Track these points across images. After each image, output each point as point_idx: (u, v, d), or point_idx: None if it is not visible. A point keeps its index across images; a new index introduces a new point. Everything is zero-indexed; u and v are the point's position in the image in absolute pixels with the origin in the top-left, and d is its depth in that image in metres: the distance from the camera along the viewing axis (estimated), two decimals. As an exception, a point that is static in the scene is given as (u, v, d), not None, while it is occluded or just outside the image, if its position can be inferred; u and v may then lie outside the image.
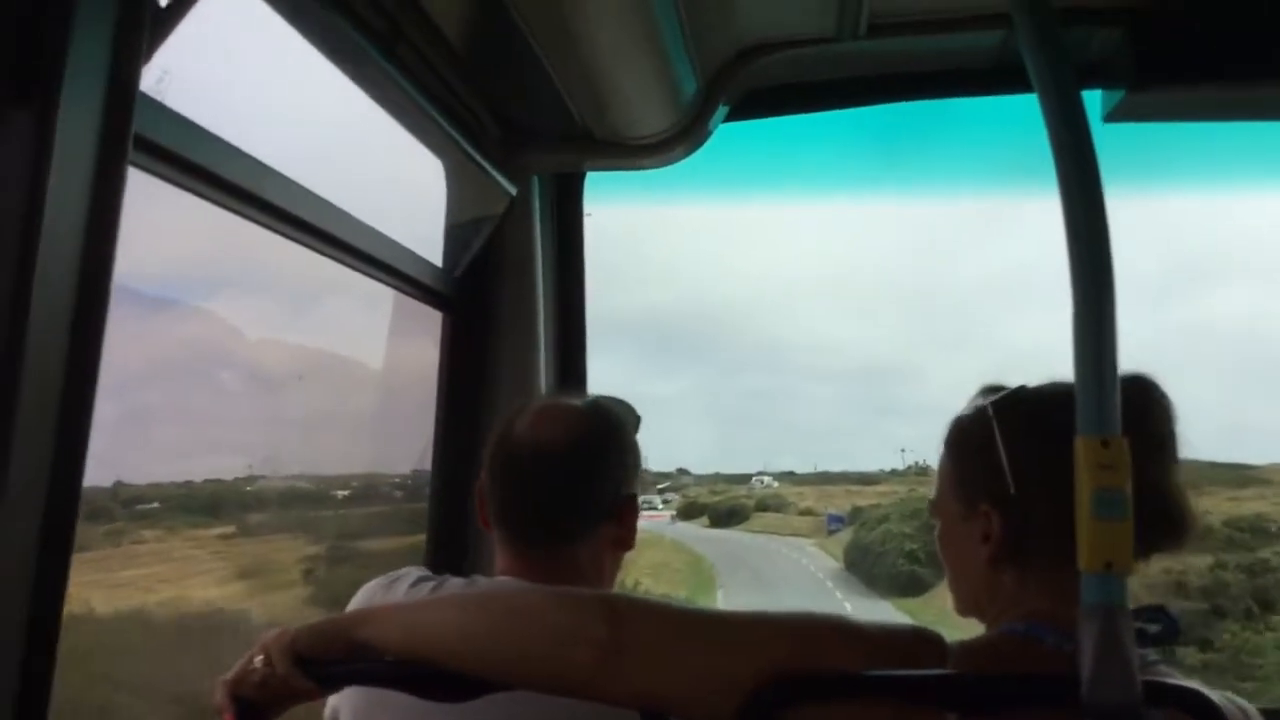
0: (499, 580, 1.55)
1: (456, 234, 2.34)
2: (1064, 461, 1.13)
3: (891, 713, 1.13)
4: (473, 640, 1.21)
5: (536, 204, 2.43)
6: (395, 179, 2.36)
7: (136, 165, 1.17)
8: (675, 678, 1.17)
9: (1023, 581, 1.27)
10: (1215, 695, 1.12)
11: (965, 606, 1.36)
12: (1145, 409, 1.19)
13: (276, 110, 1.87)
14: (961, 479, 1.33)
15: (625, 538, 1.62)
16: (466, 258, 2.32)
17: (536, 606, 1.22)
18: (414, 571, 1.57)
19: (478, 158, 2.12)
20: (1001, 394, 1.31)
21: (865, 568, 26.33)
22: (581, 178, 2.58)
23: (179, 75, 1.30)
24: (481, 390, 2.39)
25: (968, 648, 1.19)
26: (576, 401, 1.65)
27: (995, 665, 1.18)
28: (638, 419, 1.68)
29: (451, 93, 1.99)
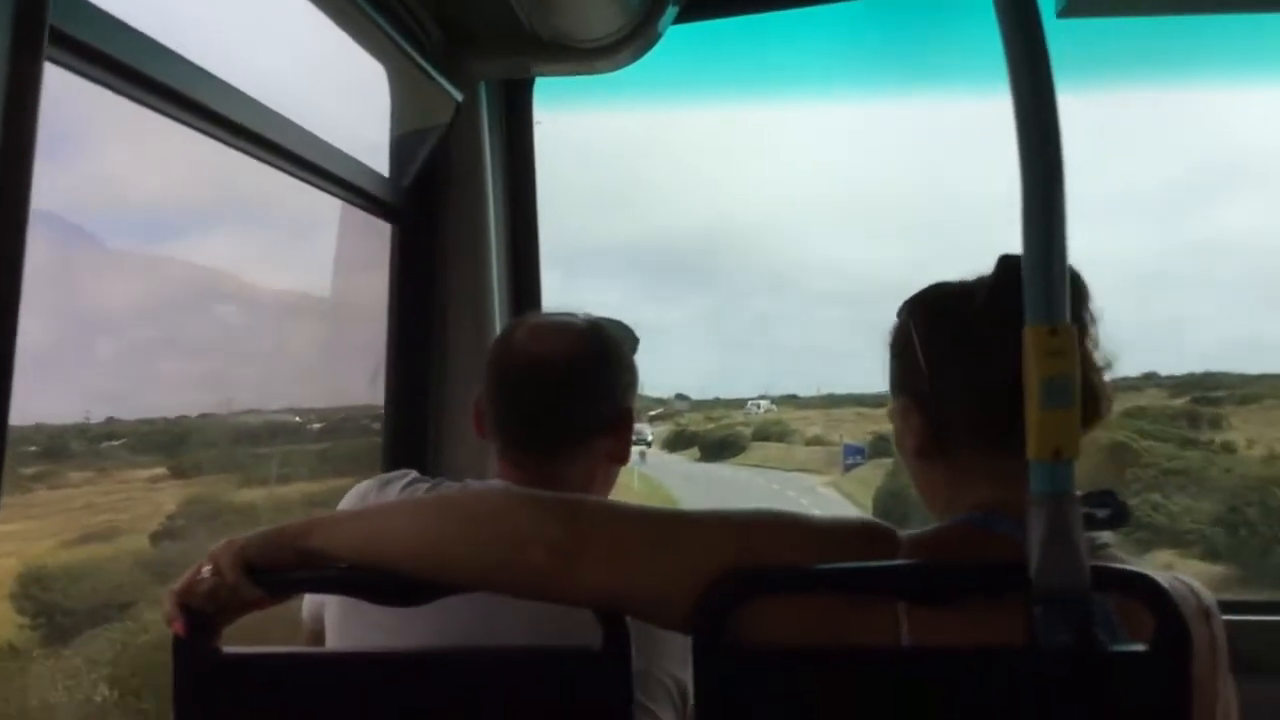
0: (492, 484, 1.57)
1: (403, 143, 2.29)
2: (971, 352, 1.20)
3: (843, 605, 1.13)
4: (428, 544, 1.20)
5: (485, 111, 2.37)
6: (338, 85, 2.30)
7: (54, 61, 1.12)
8: (631, 577, 1.17)
9: (952, 473, 1.28)
10: (1164, 577, 1.13)
11: (925, 504, 1.37)
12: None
13: (209, 10, 1.80)
14: (892, 378, 1.35)
15: (620, 452, 1.64)
16: (414, 168, 2.27)
17: (492, 508, 1.22)
18: (409, 473, 1.59)
19: (422, 63, 2.07)
20: (916, 293, 1.32)
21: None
22: (530, 84, 2.52)
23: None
24: (432, 301, 2.36)
25: (918, 539, 1.20)
26: (575, 318, 1.65)
27: (946, 555, 1.19)
28: (636, 340, 1.70)
29: (389, -8, 1.93)
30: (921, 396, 1.29)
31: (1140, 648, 1.09)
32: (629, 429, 1.63)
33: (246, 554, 1.22)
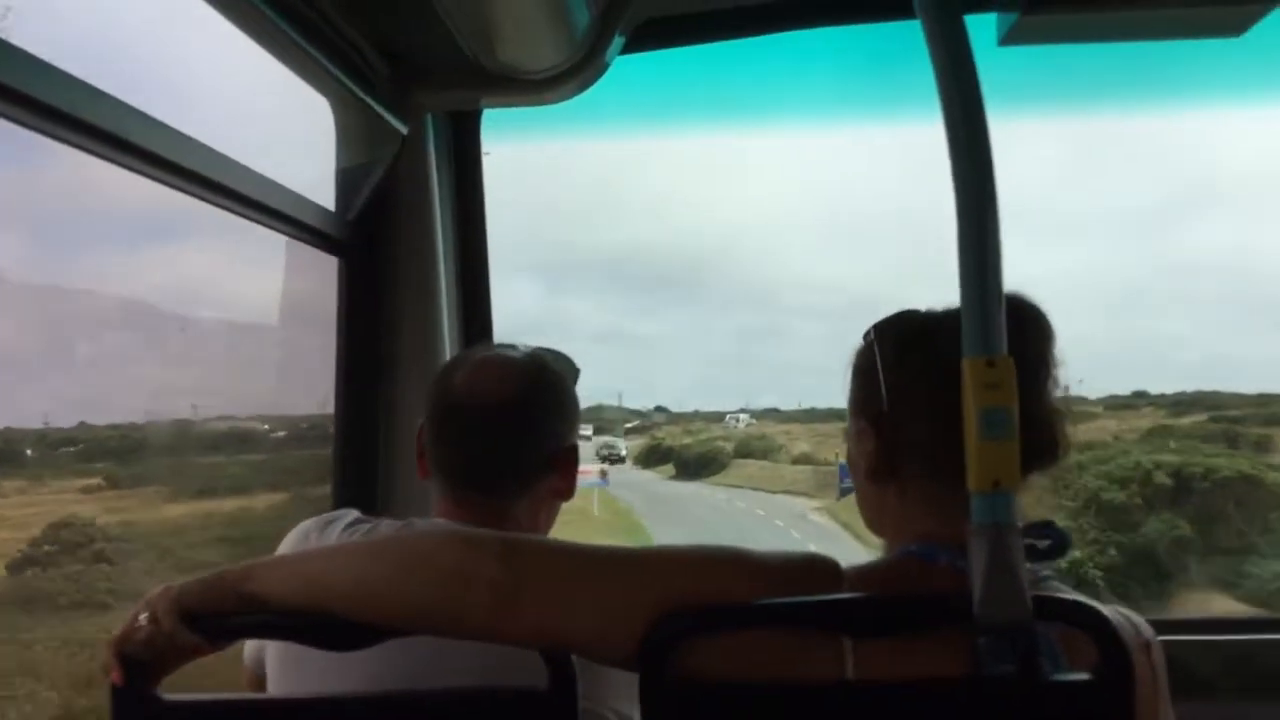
0: (435, 522, 1.55)
1: (348, 176, 2.27)
2: (934, 383, 1.19)
3: (787, 640, 1.13)
4: (366, 587, 1.19)
5: (431, 143, 2.36)
6: (281, 121, 2.28)
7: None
8: (574, 616, 1.16)
9: (903, 500, 1.28)
10: (1106, 609, 1.14)
11: (870, 527, 1.37)
12: (1019, 330, 1.20)
13: (147, 48, 1.78)
14: (851, 399, 1.35)
15: (565, 488, 1.63)
16: (359, 201, 2.26)
17: (430, 549, 1.20)
18: (351, 513, 1.57)
19: (364, 96, 2.06)
20: (884, 318, 1.32)
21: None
22: (478, 116, 2.52)
23: (27, 12, 1.23)
24: (382, 336, 2.34)
25: (862, 572, 1.20)
26: (515, 353, 1.63)
27: (890, 587, 1.19)
28: (576, 371, 1.70)
29: (332, 27, 1.91)
30: (879, 420, 1.29)
31: (1084, 676, 1.09)
32: (574, 465, 1.62)
33: (183, 601, 1.20)
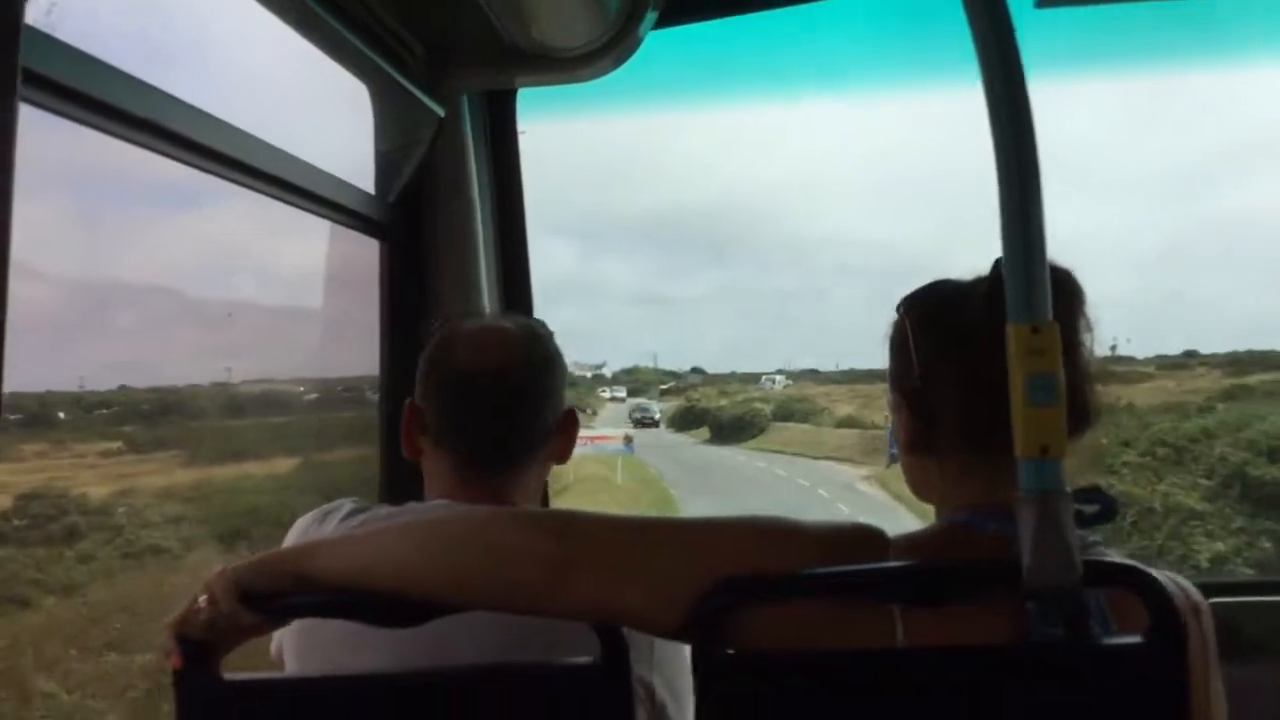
0: (435, 504, 1.54)
1: (387, 160, 2.29)
2: (963, 354, 1.23)
3: (836, 609, 1.14)
4: (424, 565, 1.21)
5: (468, 124, 2.37)
6: (320, 106, 2.30)
7: (28, 101, 1.12)
8: (625, 589, 1.18)
9: (943, 471, 1.29)
10: (1157, 574, 1.14)
11: (918, 496, 1.38)
12: (1066, 297, 1.20)
13: (187, 39, 1.80)
14: (889, 374, 1.36)
15: (564, 452, 1.63)
16: (399, 183, 2.28)
17: (485, 527, 1.22)
18: (347, 503, 1.56)
19: (401, 80, 2.07)
20: (913, 291, 1.33)
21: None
22: (513, 95, 2.53)
23: (71, 6, 1.25)
24: (424, 316, 2.35)
25: (911, 540, 1.21)
26: (505, 322, 1.63)
27: (937, 556, 1.19)
28: (551, 333, 1.66)
29: (368, 11, 1.93)
30: (912, 394, 1.30)
31: (1135, 639, 1.09)
32: (574, 429, 1.63)
33: (240, 581, 1.22)
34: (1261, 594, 2.27)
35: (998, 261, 1.26)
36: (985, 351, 1.13)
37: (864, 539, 1.19)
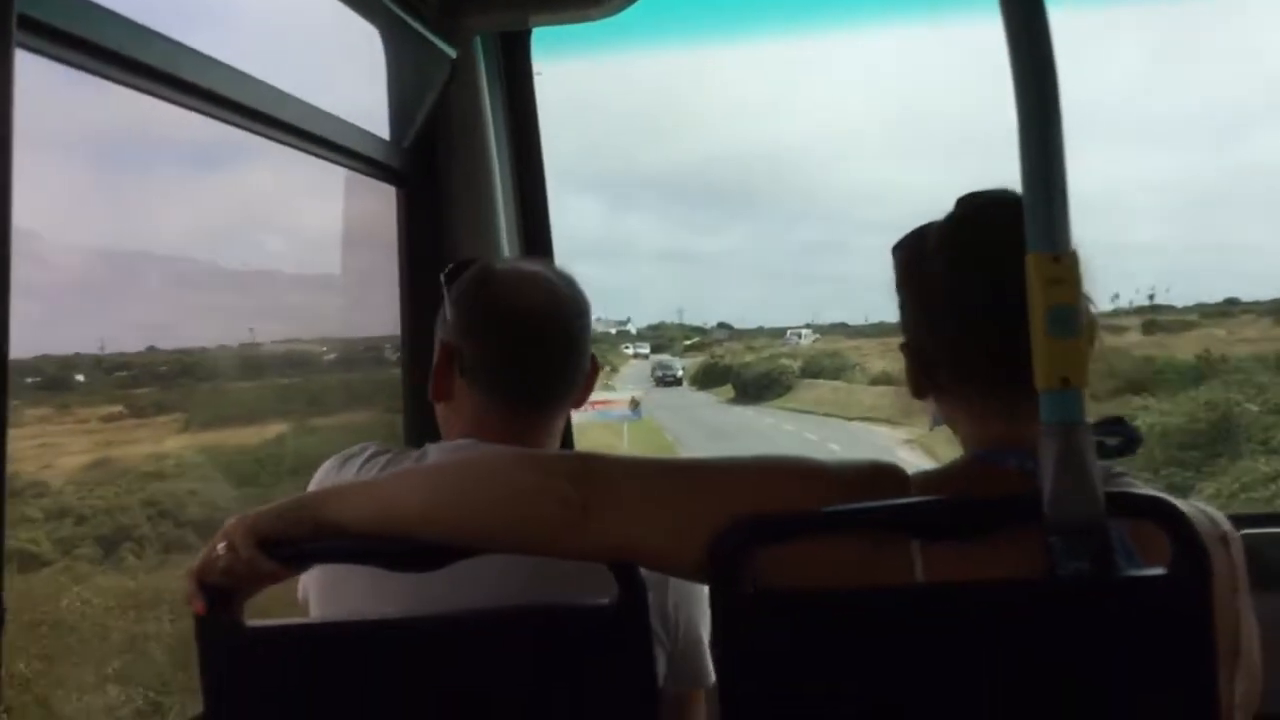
0: (459, 444, 1.53)
1: (401, 104, 2.26)
2: (926, 292, 1.24)
3: (855, 546, 1.13)
4: (442, 509, 1.21)
5: (482, 66, 2.34)
6: (331, 51, 2.28)
7: (25, 47, 1.11)
8: (644, 529, 1.17)
9: (952, 409, 1.29)
10: (1182, 504, 1.12)
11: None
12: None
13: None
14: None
15: (583, 398, 1.64)
16: (413, 128, 2.25)
17: (505, 469, 1.22)
18: (370, 447, 1.56)
19: (412, 22, 2.05)
20: (902, 236, 1.31)
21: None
22: (527, 35, 2.49)
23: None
24: (444, 261, 2.34)
25: (929, 477, 1.20)
26: (537, 266, 1.62)
27: (957, 492, 1.18)
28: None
29: (377, -47, 1.90)
30: (907, 337, 1.30)
31: (1159, 571, 1.08)
32: (595, 376, 1.64)
33: (259, 528, 1.22)
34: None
35: (960, 198, 1.25)
36: (949, 289, 1.12)
37: (883, 476, 1.18)
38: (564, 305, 1.55)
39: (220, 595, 1.23)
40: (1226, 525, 1.20)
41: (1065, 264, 1.04)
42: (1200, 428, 11.19)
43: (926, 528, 1.11)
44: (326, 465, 1.56)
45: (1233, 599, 1.16)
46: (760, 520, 1.12)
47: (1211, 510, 1.21)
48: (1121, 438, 1.15)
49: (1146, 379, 13.00)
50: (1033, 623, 1.10)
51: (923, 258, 1.26)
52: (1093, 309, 1.26)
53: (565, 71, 2.71)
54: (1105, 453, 1.14)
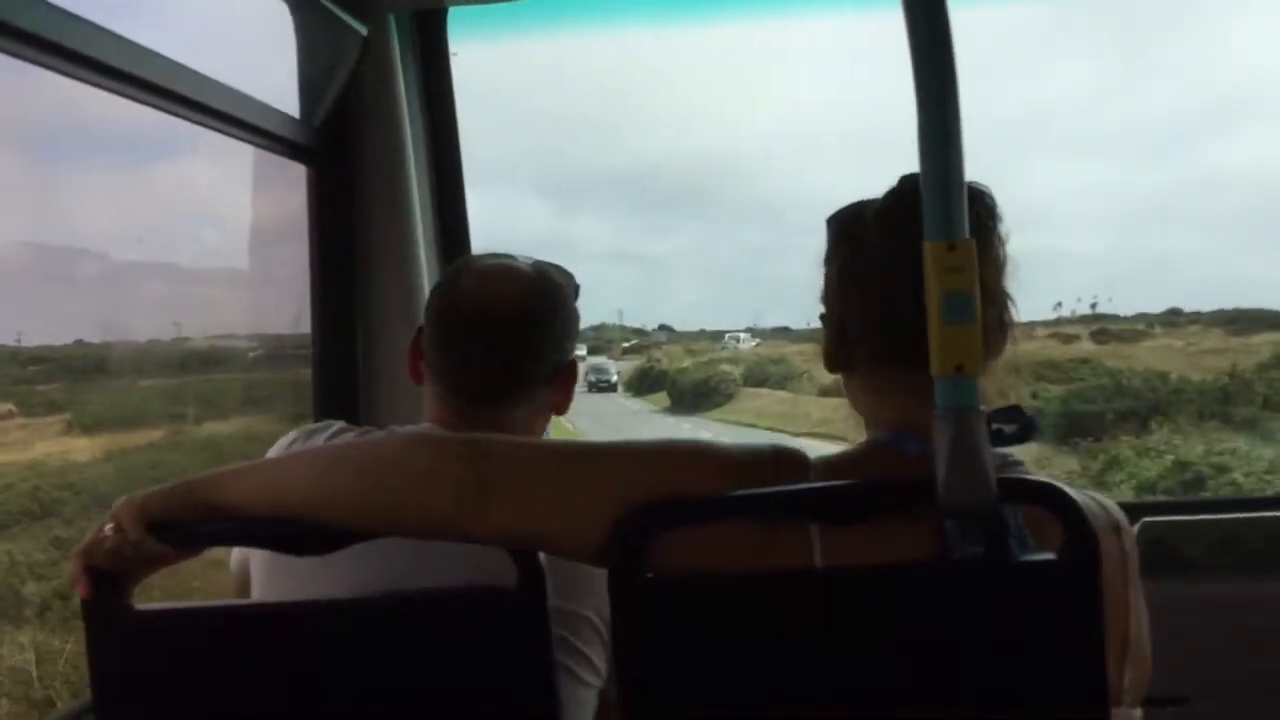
0: (422, 427, 1.53)
1: (312, 82, 2.22)
2: (859, 270, 1.25)
3: (754, 530, 1.13)
4: (334, 492, 1.19)
5: (395, 45, 2.31)
6: (240, 26, 2.23)
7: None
8: (541, 513, 1.16)
9: (864, 387, 1.30)
10: (1075, 492, 1.14)
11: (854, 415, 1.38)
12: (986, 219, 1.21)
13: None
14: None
15: (562, 403, 1.62)
16: (324, 106, 2.21)
17: (397, 452, 1.20)
18: (336, 423, 1.55)
19: (322, -2, 2.01)
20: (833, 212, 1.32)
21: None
22: (443, 15, 2.46)
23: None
24: (355, 244, 2.32)
25: (830, 462, 1.20)
26: (520, 263, 1.61)
27: (858, 476, 1.19)
28: (577, 287, 1.66)
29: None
30: (828, 311, 1.31)
31: (1049, 557, 1.10)
32: (573, 381, 1.62)
33: (148, 509, 1.19)
34: (1190, 513, 2.31)
35: (902, 177, 1.26)
36: (883, 267, 1.13)
37: (783, 460, 1.18)
38: (527, 302, 1.54)
39: (108, 578, 1.20)
40: (1119, 514, 1.22)
41: (961, 252, 1.05)
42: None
43: (824, 512, 1.12)
44: (287, 438, 1.55)
45: (1124, 588, 1.18)
46: (660, 506, 1.12)
47: (1104, 499, 1.23)
48: (1019, 424, 1.17)
49: (1162, 400, 11.10)
50: (927, 606, 1.11)
51: (858, 227, 1.27)
52: (1014, 312, 1.28)
53: (490, 55, 2.68)
54: (1003, 440, 1.16)
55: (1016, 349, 1.30)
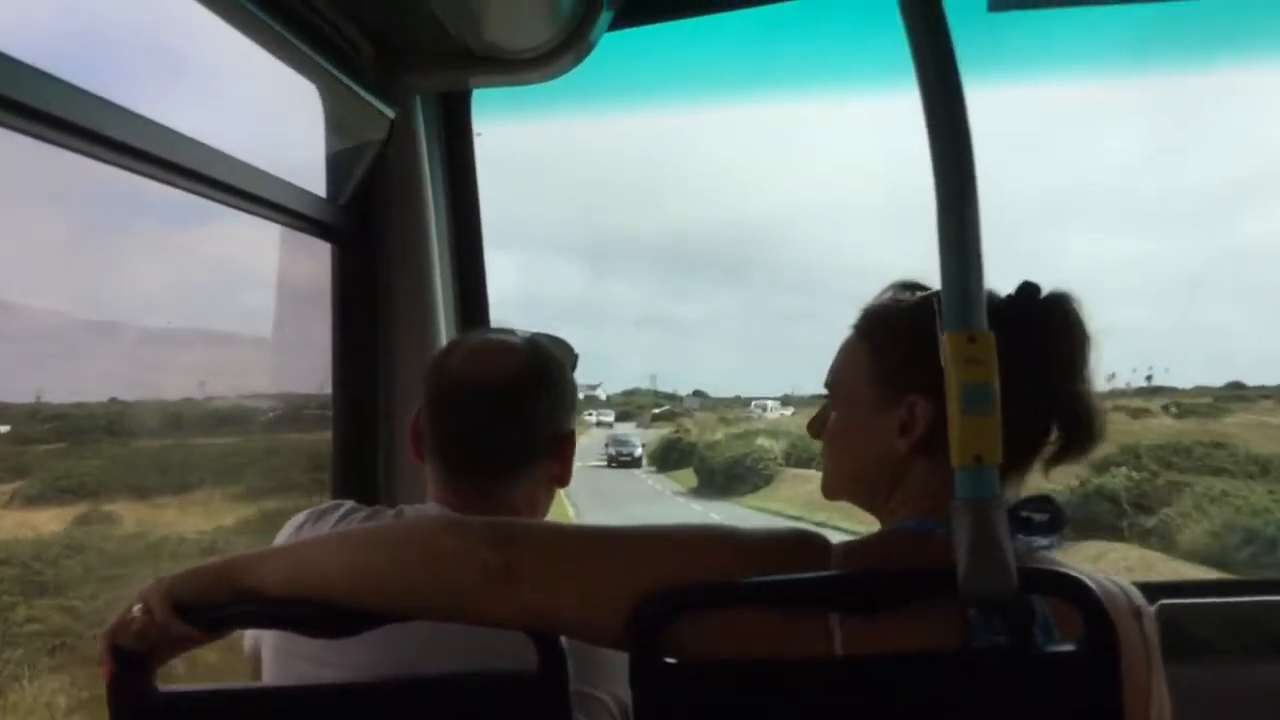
0: (428, 507, 1.55)
1: (339, 161, 2.26)
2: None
3: (775, 618, 1.14)
4: (358, 573, 1.20)
5: (421, 125, 2.35)
6: (269, 109, 2.28)
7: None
8: (562, 597, 1.17)
9: (933, 470, 1.24)
10: (1093, 578, 1.14)
11: (857, 498, 1.36)
12: (1060, 322, 1.25)
13: (128, 46, 1.77)
14: (886, 369, 1.30)
15: (562, 474, 1.63)
16: (350, 186, 2.25)
17: (420, 534, 1.21)
18: (346, 503, 1.57)
19: (350, 82, 2.05)
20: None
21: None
22: (468, 96, 2.51)
23: (8, 12, 1.23)
24: (378, 321, 2.34)
25: (852, 547, 1.20)
26: (512, 337, 1.63)
27: (880, 562, 1.19)
28: (575, 357, 1.70)
29: (315, 12, 1.91)
30: (935, 391, 1.19)
31: (1069, 647, 1.10)
32: (570, 452, 1.63)
33: (176, 592, 1.21)
34: (1208, 595, 2.29)
35: (1023, 284, 1.28)
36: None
37: (805, 546, 1.19)
38: (518, 378, 1.56)
39: (134, 659, 1.21)
40: (1140, 600, 1.22)
41: (980, 344, 1.07)
42: None
43: (845, 601, 1.12)
44: (299, 518, 1.57)
45: (1145, 673, 1.18)
46: (681, 591, 1.13)
47: (1125, 583, 1.23)
48: (1048, 515, 1.18)
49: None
50: (948, 695, 1.11)
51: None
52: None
53: (521, 133, 2.73)
54: (1031, 528, 1.17)
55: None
